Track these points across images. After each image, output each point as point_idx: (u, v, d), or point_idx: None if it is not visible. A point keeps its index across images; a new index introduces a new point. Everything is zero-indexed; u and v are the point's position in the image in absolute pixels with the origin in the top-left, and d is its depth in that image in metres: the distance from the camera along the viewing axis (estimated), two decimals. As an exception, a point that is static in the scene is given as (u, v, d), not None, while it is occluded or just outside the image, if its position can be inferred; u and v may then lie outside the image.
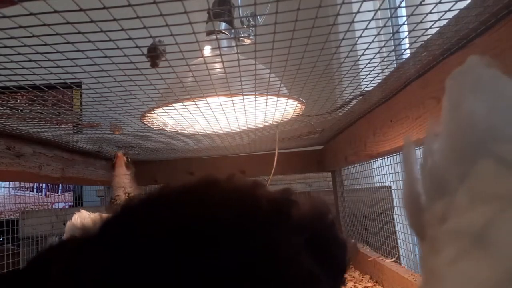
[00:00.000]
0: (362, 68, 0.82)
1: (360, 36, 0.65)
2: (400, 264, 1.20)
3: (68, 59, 0.67)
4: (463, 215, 0.26)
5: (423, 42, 0.68)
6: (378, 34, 0.67)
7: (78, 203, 2.73)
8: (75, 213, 0.96)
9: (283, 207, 0.34)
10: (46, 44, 0.58)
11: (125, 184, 1.30)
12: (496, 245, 0.23)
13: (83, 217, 0.94)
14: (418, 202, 0.31)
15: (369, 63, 0.78)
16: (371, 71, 0.84)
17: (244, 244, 0.30)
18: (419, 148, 0.38)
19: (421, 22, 0.62)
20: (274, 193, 0.37)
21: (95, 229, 0.33)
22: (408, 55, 0.76)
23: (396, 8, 0.61)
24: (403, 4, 0.92)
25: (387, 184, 1.33)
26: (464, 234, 0.25)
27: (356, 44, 0.70)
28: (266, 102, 0.99)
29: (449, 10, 0.57)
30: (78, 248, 0.32)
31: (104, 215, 1.04)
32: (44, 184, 3.01)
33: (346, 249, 0.39)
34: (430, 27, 0.63)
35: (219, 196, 0.34)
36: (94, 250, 0.31)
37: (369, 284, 1.26)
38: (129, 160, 1.35)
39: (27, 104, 0.96)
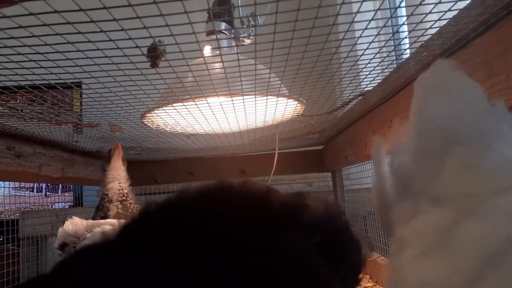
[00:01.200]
0: (362, 68, 0.82)
1: (360, 36, 0.65)
2: (400, 264, 1.20)
3: (68, 59, 0.67)
4: (427, 215, 0.27)
5: (423, 42, 0.68)
6: (378, 34, 0.67)
7: (78, 203, 2.73)
8: (67, 220, 0.95)
9: (296, 212, 0.35)
10: (46, 44, 0.58)
11: (120, 178, 1.23)
12: (458, 246, 0.24)
13: (75, 224, 0.93)
14: (386, 200, 0.32)
15: (369, 63, 0.78)
16: (371, 71, 0.84)
17: (258, 248, 0.31)
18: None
19: (421, 22, 0.62)
20: (287, 198, 0.37)
21: (114, 235, 0.33)
22: (408, 55, 0.76)
23: (396, 8, 0.61)
24: (403, 4, 0.92)
25: (387, 184, 1.32)
26: (428, 234, 0.26)
27: (356, 44, 0.70)
28: (266, 102, 0.99)
29: (449, 10, 0.57)
30: (98, 253, 0.32)
31: (96, 221, 1.02)
32: (44, 184, 3.01)
33: (360, 249, 0.39)
34: (430, 27, 0.63)
35: (234, 201, 0.34)
36: (114, 256, 0.31)
37: (369, 284, 1.26)
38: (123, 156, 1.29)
39: (27, 104, 0.96)
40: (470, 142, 0.27)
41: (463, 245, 0.24)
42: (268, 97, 0.95)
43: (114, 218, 1.13)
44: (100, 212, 1.15)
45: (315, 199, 0.38)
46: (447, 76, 0.30)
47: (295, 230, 0.33)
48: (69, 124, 1.22)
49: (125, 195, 1.20)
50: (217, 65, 0.77)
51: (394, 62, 0.81)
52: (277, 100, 1.00)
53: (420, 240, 0.26)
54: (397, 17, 0.73)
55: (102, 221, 0.96)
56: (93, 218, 1.14)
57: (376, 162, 0.34)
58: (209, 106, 0.97)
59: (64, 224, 0.94)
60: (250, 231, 0.31)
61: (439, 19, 0.61)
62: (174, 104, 0.94)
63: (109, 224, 0.92)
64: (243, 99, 0.94)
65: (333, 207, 0.40)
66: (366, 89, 0.97)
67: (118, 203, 1.17)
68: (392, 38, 0.72)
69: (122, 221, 1.06)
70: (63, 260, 0.33)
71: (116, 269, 0.29)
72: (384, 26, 0.73)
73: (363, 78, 0.89)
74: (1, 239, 1.88)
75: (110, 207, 1.15)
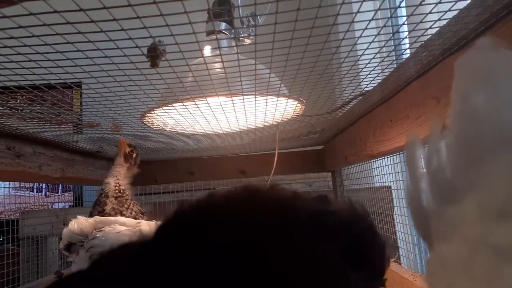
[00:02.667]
0: (362, 68, 0.82)
1: (360, 36, 0.65)
2: (400, 264, 1.20)
3: (68, 59, 0.67)
4: (471, 232, 0.22)
5: (423, 42, 0.68)
6: (378, 34, 0.67)
7: (78, 203, 2.73)
8: (71, 220, 0.95)
9: (320, 217, 0.35)
10: (46, 44, 0.58)
11: (119, 175, 1.24)
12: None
13: (80, 223, 0.93)
14: (422, 205, 0.27)
15: (369, 63, 0.78)
16: (371, 71, 0.84)
17: (284, 254, 0.31)
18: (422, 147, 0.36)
19: (421, 22, 0.62)
20: (312, 203, 0.38)
21: (151, 235, 0.34)
22: (408, 55, 0.76)
23: (396, 8, 0.61)
24: (403, 4, 0.92)
25: (387, 184, 1.33)
26: (471, 261, 0.21)
27: (356, 44, 0.70)
28: (266, 102, 0.99)
29: (449, 10, 0.57)
30: (136, 254, 0.33)
31: (105, 219, 1.02)
32: (44, 184, 3.01)
33: (385, 251, 0.39)
34: (430, 27, 0.63)
35: (261, 207, 0.35)
36: (152, 256, 0.32)
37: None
38: (133, 154, 1.29)
39: (27, 104, 0.96)
40: None
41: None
42: (268, 97, 0.95)
43: (109, 212, 1.15)
44: (98, 206, 1.17)
45: (339, 202, 0.38)
46: (495, 58, 0.24)
47: (319, 236, 0.34)
48: (69, 124, 1.22)
49: (121, 191, 1.21)
50: (217, 65, 0.77)
51: (394, 62, 0.81)
52: (277, 100, 1.00)
53: (462, 265, 0.22)
54: (397, 17, 0.73)
55: (112, 218, 0.96)
56: (91, 213, 1.16)
57: (411, 162, 0.29)
58: (209, 106, 0.97)
59: (69, 224, 0.94)
60: (276, 237, 0.32)
61: (439, 19, 0.61)
62: (174, 104, 0.94)
63: (120, 223, 0.92)
64: (243, 99, 0.94)
65: (357, 209, 0.40)
66: (366, 89, 0.97)
67: (113, 198, 1.19)
68: (392, 38, 0.72)
69: (131, 219, 1.05)
70: (100, 259, 0.34)
71: (160, 272, 0.30)
72: (384, 26, 0.73)
73: (363, 78, 0.89)
74: (1, 239, 1.88)
75: (106, 202, 1.18)
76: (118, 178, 1.24)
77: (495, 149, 0.22)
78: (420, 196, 0.27)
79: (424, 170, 0.27)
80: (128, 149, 1.28)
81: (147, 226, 0.92)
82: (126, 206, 1.18)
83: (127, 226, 0.92)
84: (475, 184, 0.23)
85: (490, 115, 0.23)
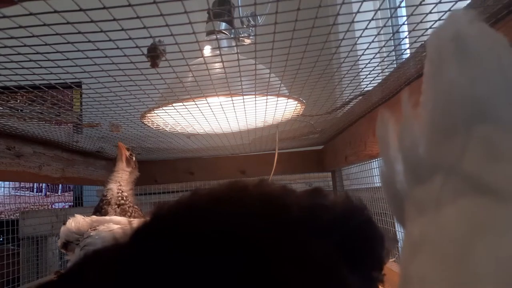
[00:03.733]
0: (362, 68, 0.82)
1: (360, 36, 0.65)
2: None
3: (68, 59, 0.67)
4: (442, 212, 0.21)
5: (423, 42, 0.68)
6: (378, 34, 0.67)
7: (78, 203, 2.73)
8: (69, 218, 0.95)
9: (314, 213, 0.33)
10: (46, 44, 0.58)
11: (121, 180, 1.21)
12: (474, 264, 0.18)
13: (78, 221, 0.93)
14: (396, 187, 0.26)
15: (369, 63, 0.78)
16: (371, 71, 0.84)
17: (277, 253, 0.29)
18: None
19: (421, 22, 0.62)
20: (304, 198, 0.36)
21: (126, 239, 0.32)
22: (408, 55, 0.76)
23: (396, 8, 0.61)
24: (403, 4, 0.92)
25: (387, 184, 1.32)
26: (442, 238, 0.21)
27: (356, 44, 0.70)
28: (266, 102, 0.99)
29: (449, 10, 0.57)
30: (111, 258, 0.31)
31: (101, 218, 1.02)
32: (44, 184, 3.01)
33: (383, 243, 0.37)
34: (430, 27, 0.63)
35: (248, 205, 0.33)
36: (127, 260, 0.30)
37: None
38: (133, 157, 1.28)
39: (27, 104, 0.96)
40: (501, 119, 0.21)
41: (482, 267, 0.18)
42: (268, 97, 0.95)
43: None
44: (98, 213, 1.14)
45: (335, 196, 0.37)
46: (468, 30, 0.24)
47: (313, 233, 0.32)
48: (69, 124, 1.22)
49: (124, 198, 1.19)
50: (217, 65, 0.77)
51: (394, 62, 0.81)
52: (277, 100, 1.00)
53: (431, 244, 0.21)
54: (397, 17, 0.73)
55: (107, 217, 0.96)
56: None
57: (383, 142, 0.27)
58: (209, 106, 0.97)
59: (67, 222, 0.94)
60: (265, 237, 0.30)
61: (439, 19, 0.61)
62: (174, 104, 0.94)
63: (114, 222, 0.92)
64: (243, 99, 0.94)
65: (353, 203, 0.37)
66: (366, 89, 0.97)
67: (116, 206, 1.16)
68: (392, 38, 0.72)
69: (125, 218, 1.05)
70: (75, 265, 0.32)
71: (133, 277, 0.28)
72: (384, 26, 0.73)
73: (363, 78, 0.89)
74: (1, 239, 1.88)
75: (108, 210, 1.15)
76: (121, 184, 1.21)
77: (469, 123, 0.22)
78: (394, 177, 0.26)
79: (398, 148, 0.26)
80: (128, 153, 1.27)
81: (114, 224, 0.91)
82: (128, 214, 1.16)
83: (121, 225, 0.92)
84: (447, 160, 0.22)
85: (464, 88, 0.23)
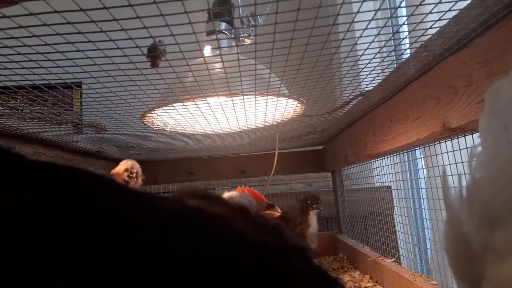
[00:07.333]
0: (362, 68, 0.82)
1: (360, 36, 0.65)
2: (400, 264, 1.20)
3: (68, 59, 0.67)
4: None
5: (423, 42, 0.68)
6: (378, 34, 0.67)
7: (78, 203, 2.73)
8: None
9: None
10: (46, 44, 0.58)
11: None
12: None
13: None
14: (463, 235, 0.25)
15: (369, 63, 0.78)
16: (371, 71, 0.84)
17: None
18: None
19: (421, 22, 0.62)
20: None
21: None
22: (408, 55, 0.76)
23: (396, 8, 0.61)
24: (403, 4, 0.92)
25: (387, 184, 1.33)
26: None
27: (356, 44, 0.70)
28: (266, 102, 0.99)
29: (449, 10, 0.57)
30: None
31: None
32: (44, 184, 3.00)
33: None
34: (430, 27, 0.63)
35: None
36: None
37: (369, 284, 1.26)
38: (132, 174, 1.27)
39: (27, 104, 0.96)
40: None
41: None
42: (268, 97, 0.95)
43: None
44: None
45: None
46: None
47: None
48: (69, 124, 1.22)
49: None
50: (217, 65, 0.77)
51: (394, 62, 0.81)
52: (277, 100, 1.00)
53: None
54: (397, 17, 0.73)
55: None
56: None
57: (447, 198, 0.27)
58: (209, 106, 0.97)
59: None
60: None
61: (439, 19, 0.61)
62: (174, 104, 0.94)
63: None
64: (243, 99, 0.94)
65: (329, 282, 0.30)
66: (366, 89, 0.97)
67: None
68: (392, 38, 0.72)
69: None
70: None
71: None
72: (384, 26, 0.73)
73: (363, 78, 0.89)
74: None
75: None
76: None
77: None
78: (459, 223, 0.25)
79: (462, 203, 0.26)
80: (124, 175, 1.27)
81: None
82: None
83: None
84: None
85: None
